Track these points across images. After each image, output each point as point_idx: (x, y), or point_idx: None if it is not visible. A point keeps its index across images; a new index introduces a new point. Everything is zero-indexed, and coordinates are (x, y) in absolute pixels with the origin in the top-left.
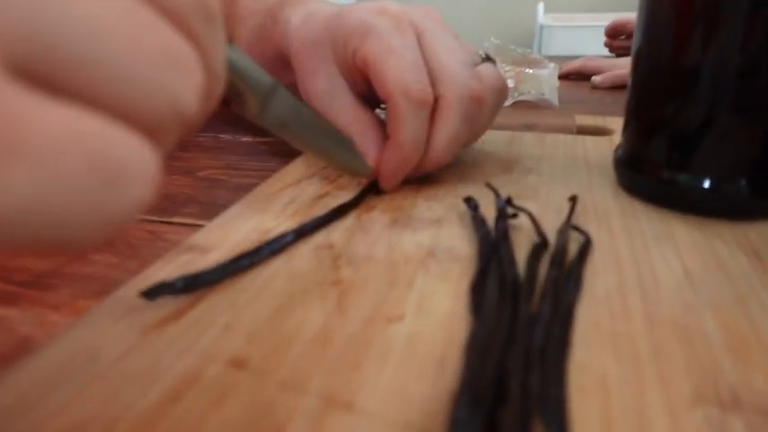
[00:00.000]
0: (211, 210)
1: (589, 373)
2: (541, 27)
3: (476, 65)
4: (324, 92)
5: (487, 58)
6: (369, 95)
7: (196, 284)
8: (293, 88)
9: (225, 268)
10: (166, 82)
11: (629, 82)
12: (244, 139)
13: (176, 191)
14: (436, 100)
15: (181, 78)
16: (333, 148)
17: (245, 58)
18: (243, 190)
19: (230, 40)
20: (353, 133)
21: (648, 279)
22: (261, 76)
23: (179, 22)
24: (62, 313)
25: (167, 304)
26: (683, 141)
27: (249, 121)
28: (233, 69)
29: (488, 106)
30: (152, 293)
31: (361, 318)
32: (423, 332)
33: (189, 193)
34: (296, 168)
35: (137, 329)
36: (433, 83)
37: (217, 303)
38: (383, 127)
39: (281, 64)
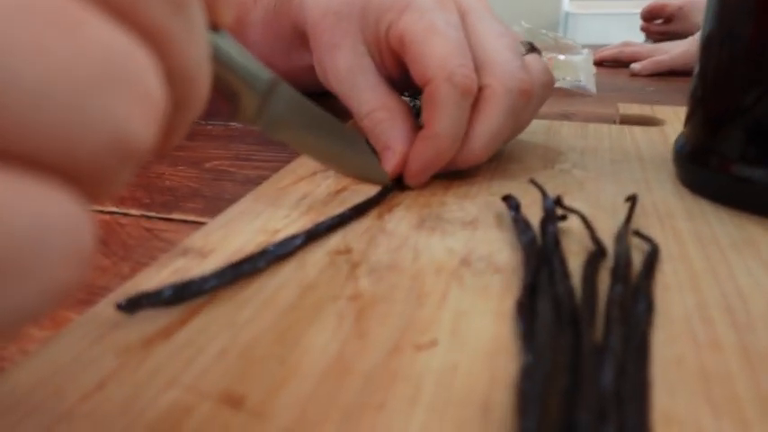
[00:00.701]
0: (216, 205)
1: (680, 428)
2: (567, 15)
3: (522, 54)
4: (346, 70)
5: (532, 49)
6: (398, 81)
7: (186, 295)
8: (312, 71)
9: (222, 275)
10: (102, 106)
11: (695, 68)
12: (256, 128)
13: (179, 183)
14: (480, 89)
15: (126, 98)
16: (345, 152)
17: (237, 48)
18: (252, 183)
19: (218, 26)
20: (379, 121)
21: (735, 299)
22: (258, 69)
23: (126, 13)
24: (39, 325)
25: (153, 321)
26: (763, 132)
27: None
28: (223, 63)
29: (535, 103)
30: (130, 306)
31: (384, 344)
32: (460, 365)
33: (193, 186)
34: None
35: (115, 353)
36: (478, 70)
37: (212, 321)
38: (412, 115)
39: (299, 43)
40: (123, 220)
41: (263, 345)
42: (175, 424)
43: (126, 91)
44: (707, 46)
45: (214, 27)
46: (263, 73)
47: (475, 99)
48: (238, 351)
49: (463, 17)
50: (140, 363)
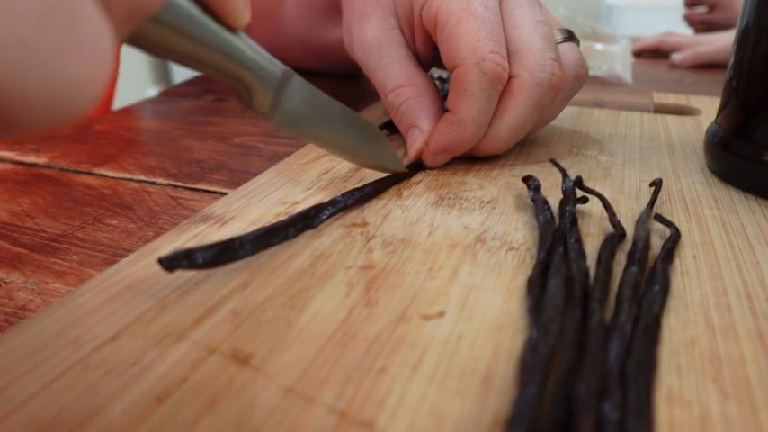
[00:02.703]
0: (241, 177)
1: (684, 407)
2: (610, 7)
3: (557, 43)
4: (373, 42)
5: (570, 37)
6: (426, 60)
7: (223, 259)
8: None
9: (256, 243)
10: None
11: (731, 59)
12: (270, 122)
13: (207, 156)
14: (509, 78)
15: None
16: (359, 143)
17: (253, 45)
18: (278, 158)
19: (235, 30)
20: (406, 98)
21: (756, 287)
22: (270, 64)
23: None
24: (65, 281)
25: (168, 281)
26: None
27: None
28: (235, 58)
29: (563, 96)
30: (170, 263)
31: (391, 312)
32: (466, 336)
33: (220, 160)
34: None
35: (131, 309)
36: (509, 58)
37: (225, 285)
38: (439, 94)
39: (334, 14)
40: (151, 188)
41: (272, 307)
42: (183, 375)
43: None
44: (744, 37)
45: (231, 30)
46: (276, 67)
47: (503, 87)
48: (248, 312)
49: (501, 0)
50: (154, 318)
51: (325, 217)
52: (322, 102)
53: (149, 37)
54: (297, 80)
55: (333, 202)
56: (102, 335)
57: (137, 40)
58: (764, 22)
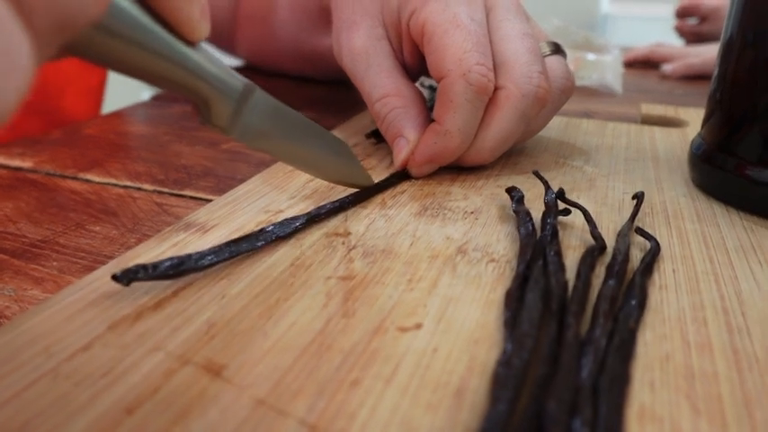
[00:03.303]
0: (228, 184)
1: (655, 424)
2: (606, 17)
3: (544, 56)
4: (360, 51)
5: (557, 50)
6: (414, 70)
7: (182, 270)
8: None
9: (219, 253)
10: None
11: (715, 71)
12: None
13: (195, 162)
14: (495, 90)
15: None
16: (325, 157)
17: (212, 58)
18: (265, 165)
19: (194, 43)
20: (392, 107)
21: (732, 302)
22: (231, 77)
23: None
24: (43, 288)
25: (146, 289)
26: None
27: (287, 96)
28: (195, 72)
29: (550, 108)
30: (125, 277)
31: (368, 324)
32: (441, 349)
33: (208, 166)
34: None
35: (107, 318)
36: (495, 70)
37: (204, 294)
38: (426, 104)
39: (325, 21)
40: (136, 194)
41: (249, 318)
42: (154, 386)
43: None
44: (728, 49)
45: (189, 42)
46: (236, 81)
47: (489, 99)
48: (224, 322)
49: (489, 12)
50: (129, 328)
51: (295, 226)
52: (286, 116)
53: (91, 47)
54: (259, 94)
55: (306, 214)
56: (74, 344)
57: (80, 50)
58: (748, 34)
